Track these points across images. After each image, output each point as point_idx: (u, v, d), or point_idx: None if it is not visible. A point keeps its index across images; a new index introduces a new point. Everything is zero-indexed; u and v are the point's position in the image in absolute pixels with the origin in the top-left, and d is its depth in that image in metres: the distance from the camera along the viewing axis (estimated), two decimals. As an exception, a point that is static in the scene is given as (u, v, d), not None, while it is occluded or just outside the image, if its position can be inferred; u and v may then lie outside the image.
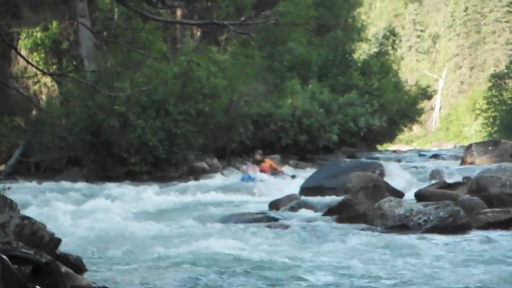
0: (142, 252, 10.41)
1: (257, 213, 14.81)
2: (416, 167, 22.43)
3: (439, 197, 13.87)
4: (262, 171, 22.60)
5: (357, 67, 34.23)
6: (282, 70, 31.94)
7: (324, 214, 14.30)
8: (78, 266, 7.70)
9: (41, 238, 7.56)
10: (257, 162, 23.11)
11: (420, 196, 14.37)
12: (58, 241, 7.74)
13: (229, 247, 10.81)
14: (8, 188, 8.20)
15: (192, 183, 22.47)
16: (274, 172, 23.14)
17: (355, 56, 36.08)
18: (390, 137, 37.28)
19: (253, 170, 22.27)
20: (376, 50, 37.49)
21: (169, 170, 25.11)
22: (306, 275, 8.53)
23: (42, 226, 7.68)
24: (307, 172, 22.06)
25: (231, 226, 13.63)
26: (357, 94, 31.13)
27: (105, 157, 24.90)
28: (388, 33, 38.69)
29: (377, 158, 25.07)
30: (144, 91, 23.50)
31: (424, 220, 12.25)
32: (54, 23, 29.46)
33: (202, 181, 22.95)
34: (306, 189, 18.05)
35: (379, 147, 37.32)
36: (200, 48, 29.54)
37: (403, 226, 12.35)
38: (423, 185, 17.07)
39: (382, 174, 18.51)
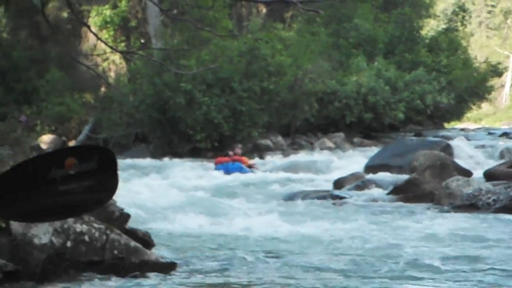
0: (208, 227, 10.54)
1: (322, 191, 14.82)
2: (484, 146, 22.06)
3: (509, 176, 13.65)
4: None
5: (424, 44, 33.74)
6: (348, 47, 31.70)
7: (390, 193, 14.22)
8: (146, 241, 7.86)
9: (111, 213, 7.74)
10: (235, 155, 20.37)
11: (489, 175, 14.17)
12: (127, 216, 7.90)
13: (294, 225, 10.87)
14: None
15: (256, 160, 22.56)
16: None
17: (423, 32, 35.55)
18: (458, 115, 36.71)
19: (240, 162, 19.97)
20: (444, 26, 36.81)
21: (234, 147, 25.25)
22: (374, 254, 8.51)
23: (112, 202, 7.85)
24: (371, 151, 21.90)
25: (296, 204, 13.68)
26: (424, 71, 30.70)
27: (171, 134, 25.18)
28: (457, 9, 37.97)
29: (445, 137, 24.73)
30: (210, 68, 23.63)
31: (494, 200, 12.08)
32: (123, 1, 29.84)
33: (266, 159, 23.04)
34: (371, 167, 17.94)
35: (446, 125, 36.81)
36: (265, 25, 29.53)
37: (471, 205, 12.20)
38: (492, 164, 16.80)
39: (449, 152, 18.27)
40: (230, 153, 20.32)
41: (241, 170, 19.41)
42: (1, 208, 2.19)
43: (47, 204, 2.18)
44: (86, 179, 2.19)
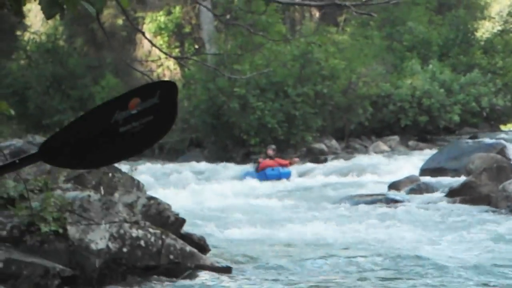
0: (262, 232, 10.56)
1: (377, 195, 14.73)
2: (542, 148, 21.64)
3: None
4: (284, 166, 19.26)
5: (479, 46, 33.27)
6: (402, 50, 31.45)
7: (446, 196, 14.05)
8: (201, 245, 7.91)
9: (166, 218, 7.82)
10: (270, 158, 19.30)
11: (547, 178, 13.88)
12: (183, 221, 7.97)
13: (349, 229, 10.82)
14: (135, 169, 8.49)
15: (310, 164, 22.52)
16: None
17: (478, 34, 35.07)
18: (514, 117, 36.15)
19: (278, 164, 18.93)
20: (500, 28, 36.24)
21: (288, 152, 25.24)
22: (431, 257, 8.42)
23: (167, 207, 7.94)
24: (426, 155, 21.66)
25: (351, 207, 13.61)
26: (479, 73, 30.29)
27: (225, 138, 25.30)
28: (512, 10, 37.40)
29: (501, 139, 24.34)
30: (264, 73, 23.68)
31: (551, 203, 11.86)
32: (177, 7, 30.11)
33: (321, 163, 22.96)
34: (426, 170, 17.76)
35: (502, 127, 36.20)
36: (319, 29, 29.48)
37: (529, 209, 12.01)
38: (550, 167, 16.47)
39: (506, 155, 17.97)
40: (270, 152, 19.21)
41: (289, 176, 18.65)
42: (66, 158, 2.25)
43: (109, 148, 2.23)
44: (147, 115, 2.22)
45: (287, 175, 18.56)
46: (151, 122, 2.19)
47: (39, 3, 2.72)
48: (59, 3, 2.65)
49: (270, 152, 19.23)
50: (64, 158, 2.21)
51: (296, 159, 20.36)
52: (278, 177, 18.30)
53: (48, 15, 2.76)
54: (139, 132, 2.19)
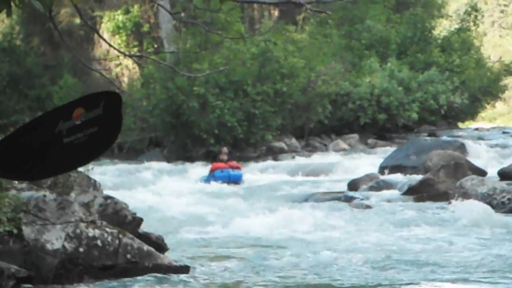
0: (220, 231, 10.53)
1: (336, 193, 14.79)
2: (499, 145, 21.95)
3: (523, 175, 13.56)
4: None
5: (437, 44, 33.61)
6: (360, 48, 31.62)
7: (404, 193, 14.18)
8: (159, 245, 7.85)
9: (123, 218, 7.75)
10: (222, 161, 18.47)
11: (503, 175, 14.08)
12: (140, 220, 7.91)
13: (308, 227, 10.83)
14: (91, 169, 8.40)
15: (270, 163, 22.54)
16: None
17: (435, 33, 35.40)
18: (472, 114, 36.53)
19: (229, 166, 18.08)
20: (457, 26, 36.63)
21: (248, 150, 25.25)
22: (389, 254, 8.48)
23: (125, 206, 7.87)
24: (385, 152, 21.81)
25: (310, 205, 13.64)
26: (437, 71, 30.59)
27: (185, 138, 25.19)
28: (469, 9, 37.77)
29: (459, 136, 24.64)
30: (222, 72, 23.61)
31: (508, 199, 12.02)
32: (135, 6, 29.91)
33: (281, 161, 23.01)
34: (386, 168, 17.89)
35: (460, 125, 36.65)
36: (277, 28, 29.50)
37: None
38: (507, 163, 16.68)
39: (463, 152, 18.19)
40: (223, 156, 18.49)
41: (240, 179, 17.86)
42: (9, 170, 2.20)
43: (53, 159, 2.19)
44: (91, 126, 2.19)
45: (237, 178, 17.81)
46: (95, 133, 2.16)
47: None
48: (6, -1, 2.60)
49: (223, 156, 18.58)
50: (6, 169, 2.16)
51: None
52: (227, 179, 17.61)
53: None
54: (83, 143, 2.15)
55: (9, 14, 2.55)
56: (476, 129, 33.90)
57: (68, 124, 2.13)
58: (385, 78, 28.89)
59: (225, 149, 19.28)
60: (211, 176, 17.84)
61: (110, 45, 6.76)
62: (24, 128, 2.15)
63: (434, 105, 29.69)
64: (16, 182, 7.30)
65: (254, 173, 19.88)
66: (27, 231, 6.72)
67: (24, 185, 7.30)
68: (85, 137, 2.15)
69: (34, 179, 2.55)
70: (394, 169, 17.56)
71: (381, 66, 30.07)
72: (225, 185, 17.30)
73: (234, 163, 18.52)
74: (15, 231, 6.63)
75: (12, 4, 2.59)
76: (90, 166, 9.01)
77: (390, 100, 28.23)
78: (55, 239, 6.79)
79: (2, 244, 6.60)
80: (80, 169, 8.12)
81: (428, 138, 22.61)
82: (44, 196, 7.07)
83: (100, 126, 2.17)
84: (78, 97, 2.19)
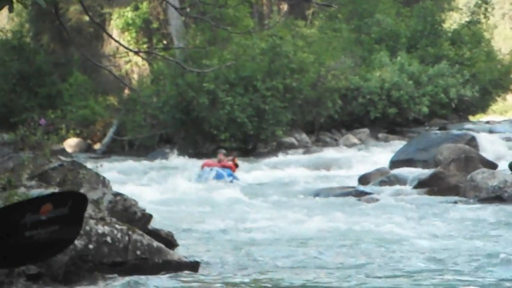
0: (231, 227, 10.51)
1: (347, 187, 14.77)
2: (510, 138, 21.86)
3: (535, 168, 13.49)
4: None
5: (447, 37, 33.49)
6: (370, 42, 31.56)
7: (415, 187, 14.15)
8: (169, 241, 7.85)
9: (133, 214, 7.75)
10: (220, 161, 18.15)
11: (514, 168, 14.00)
12: (150, 217, 7.91)
13: (319, 222, 10.82)
14: (101, 166, 8.40)
15: (281, 158, 22.53)
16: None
17: (445, 26, 35.28)
18: (482, 107, 36.42)
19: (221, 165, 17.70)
20: (467, 19, 36.49)
21: (258, 146, 25.25)
22: (401, 248, 8.45)
23: (134, 203, 7.87)
24: (395, 147, 21.75)
25: (321, 200, 13.64)
26: (447, 64, 30.49)
27: (195, 134, 25.21)
28: (480, 1, 37.62)
29: (469, 129, 24.53)
30: (232, 67, 23.61)
31: (519, 192, 11.97)
32: (144, 3, 29.93)
33: (291, 156, 22.99)
34: (396, 162, 17.85)
35: (471, 118, 36.52)
36: (287, 23, 29.46)
37: (497, 197, 12.12)
38: (518, 156, 16.64)
39: (474, 145, 18.11)
40: (220, 156, 18.05)
41: (222, 178, 17.12)
42: None
43: (9, 250, 2.21)
44: (53, 224, 2.23)
45: (223, 176, 17.14)
46: (55, 232, 2.18)
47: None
48: (9, -5, 2.59)
49: (221, 156, 18.07)
50: None
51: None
52: (216, 177, 17.07)
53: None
54: (42, 240, 2.17)
55: (11, 11, 2.55)
56: (487, 122, 33.74)
57: (34, 217, 2.16)
58: (395, 72, 28.83)
59: (223, 151, 18.88)
60: (201, 174, 17.45)
61: (117, 42, 6.76)
62: None
63: (445, 99, 29.61)
64: (25, 180, 7.32)
65: (264, 168, 19.86)
66: (36, 228, 6.72)
67: (33, 182, 7.31)
68: (45, 234, 2.18)
69: None
70: (405, 163, 17.52)
71: (391, 60, 30.00)
72: (235, 181, 17.29)
73: (227, 163, 17.86)
74: (25, 228, 6.63)
75: (14, 0, 2.59)
76: (99, 163, 9.04)
77: (400, 94, 28.17)
78: (64, 236, 6.78)
79: (12, 241, 6.61)
80: (89, 166, 8.13)
81: (438, 131, 22.54)
82: (54, 193, 7.07)
83: (62, 225, 2.20)
84: (48, 193, 2.24)
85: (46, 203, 2.20)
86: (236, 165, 18.21)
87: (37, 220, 2.18)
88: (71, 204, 2.21)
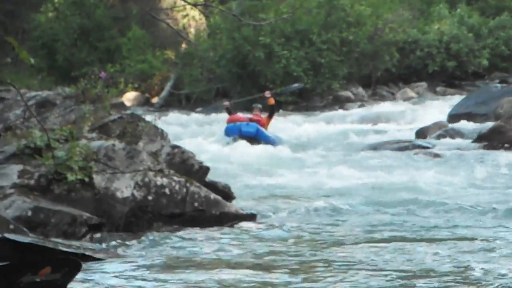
0: (287, 180, 10.57)
1: (404, 141, 14.67)
2: None
3: None
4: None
5: (509, -12, 32.75)
6: (429, -6, 31.03)
7: (474, 141, 13.97)
8: (226, 193, 7.95)
9: (190, 166, 7.85)
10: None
11: None
12: (207, 169, 8.00)
13: (376, 175, 10.81)
14: (159, 118, 8.52)
15: (337, 112, 22.44)
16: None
17: (507, -24, 34.47)
18: (545, 60, 35.63)
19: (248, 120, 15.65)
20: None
21: (314, 100, 25.17)
22: (460, 202, 8.39)
23: (192, 155, 7.97)
24: (454, 100, 21.45)
25: (378, 154, 13.58)
26: (509, 16, 29.82)
27: (251, 88, 25.20)
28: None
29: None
30: (288, 21, 23.46)
31: None
32: (201, -44, 29.83)
33: (347, 110, 22.88)
34: (455, 116, 17.61)
35: (533, 71, 35.77)
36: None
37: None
38: None
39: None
40: (255, 111, 16.12)
41: (257, 134, 15.06)
42: None
43: None
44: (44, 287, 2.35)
45: (248, 133, 15.09)
46: None
47: None
48: None
49: (256, 112, 16.03)
50: None
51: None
52: (239, 134, 15.17)
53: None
54: None
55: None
56: (550, 75, 32.97)
57: (31, 278, 2.26)
58: (454, 24, 28.28)
59: (259, 106, 16.75)
60: (225, 131, 15.81)
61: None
62: None
63: (506, 51, 28.96)
64: (86, 132, 7.47)
65: (320, 123, 19.81)
66: (97, 179, 6.88)
67: (94, 134, 7.45)
68: None
69: None
70: (464, 117, 17.28)
71: (450, 12, 29.42)
72: (290, 133, 17.08)
73: (255, 116, 15.87)
74: (86, 179, 6.79)
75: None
76: (157, 116, 9.15)
77: (459, 47, 27.66)
78: (124, 187, 6.93)
79: (74, 192, 6.78)
80: (148, 118, 8.24)
81: (498, 85, 22.14)
82: (113, 145, 7.20)
83: None
84: (50, 258, 2.31)
85: (46, 266, 2.34)
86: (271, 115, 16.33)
87: (32, 281, 2.32)
88: (65, 272, 2.35)
